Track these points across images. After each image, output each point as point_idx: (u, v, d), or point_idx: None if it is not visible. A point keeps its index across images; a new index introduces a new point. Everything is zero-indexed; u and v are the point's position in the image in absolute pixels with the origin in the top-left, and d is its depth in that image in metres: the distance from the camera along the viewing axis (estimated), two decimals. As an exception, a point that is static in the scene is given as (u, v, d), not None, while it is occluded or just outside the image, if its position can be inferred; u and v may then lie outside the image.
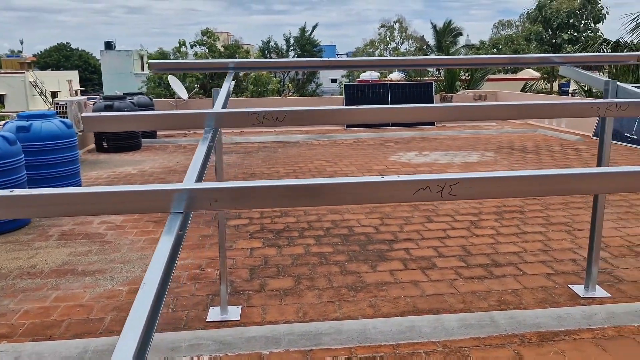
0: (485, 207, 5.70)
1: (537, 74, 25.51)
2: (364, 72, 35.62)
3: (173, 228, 1.51)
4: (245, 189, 1.54)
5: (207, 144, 2.18)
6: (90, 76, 63.52)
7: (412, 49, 40.73)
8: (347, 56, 54.74)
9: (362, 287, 3.72)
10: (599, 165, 3.46)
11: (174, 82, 12.15)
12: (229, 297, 3.55)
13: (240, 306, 3.44)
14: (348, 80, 38.56)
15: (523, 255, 4.31)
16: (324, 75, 49.25)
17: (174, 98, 12.51)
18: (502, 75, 23.43)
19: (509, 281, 3.79)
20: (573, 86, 21.16)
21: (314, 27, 30.37)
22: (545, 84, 25.47)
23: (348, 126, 12.94)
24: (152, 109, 11.69)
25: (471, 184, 1.62)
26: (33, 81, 48.20)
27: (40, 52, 72.07)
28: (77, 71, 55.31)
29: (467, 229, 5.00)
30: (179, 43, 30.76)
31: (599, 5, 24.15)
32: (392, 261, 4.22)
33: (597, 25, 24.42)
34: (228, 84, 3.30)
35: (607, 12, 25.57)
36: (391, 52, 40.88)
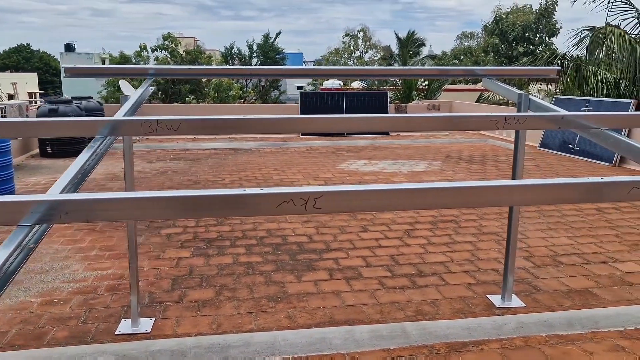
0: (422, 216, 5.75)
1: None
2: (327, 80, 35.76)
3: (14, 241, 1.44)
4: (95, 202, 1.49)
5: (89, 153, 2.12)
6: (52, 79, 61.95)
7: (376, 58, 41.14)
8: (313, 64, 54.90)
9: (283, 298, 3.69)
10: (513, 177, 3.52)
11: (125, 86, 11.92)
12: (143, 308, 3.46)
13: (154, 318, 3.35)
14: (314, 87, 38.68)
15: (449, 265, 4.35)
16: (291, 83, 49.28)
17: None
18: (459, 86, 23.88)
19: (430, 291, 3.82)
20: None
21: (278, 34, 30.32)
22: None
23: (304, 134, 12.95)
24: (102, 114, 11.44)
25: (336, 197, 1.60)
26: (-13, 83, 46.78)
27: (0, 53, 69.96)
28: (36, 73, 53.87)
29: (399, 239, 5.03)
30: (140, 47, 30.24)
31: (553, 20, 24.93)
32: (319, 271, 4.20)
33: (551, 39, 25.25)
34: (141, 90, 3.23)
35: (561, 27, 26.46)
36: (355, 60, 41.20)
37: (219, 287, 3.86)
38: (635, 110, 9.30)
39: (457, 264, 4.36)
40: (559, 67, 3.67)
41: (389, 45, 48.10)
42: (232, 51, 30.27)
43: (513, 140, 11.18)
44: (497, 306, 3.55)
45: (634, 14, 12.38)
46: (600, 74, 11.93)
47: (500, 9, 26.05)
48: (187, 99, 26.44)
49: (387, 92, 13.76)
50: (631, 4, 12.38)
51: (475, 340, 3.10)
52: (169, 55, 30.07)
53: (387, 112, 13.39)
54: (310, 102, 13.14)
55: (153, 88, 3.56)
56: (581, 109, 10.19)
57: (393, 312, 3.48)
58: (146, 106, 13.08)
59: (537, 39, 25.01)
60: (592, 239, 5.02)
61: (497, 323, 3.24)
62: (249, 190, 1.57)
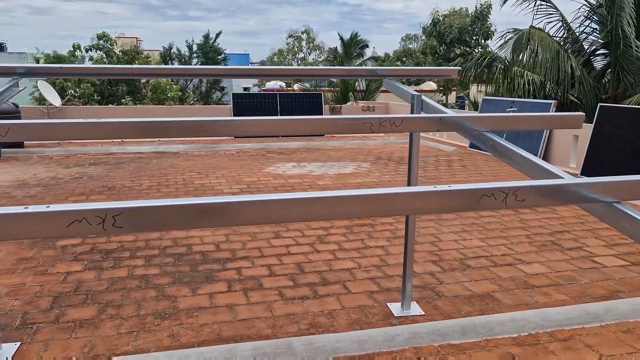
0: (339, 220, 5.61)
1: (434, 86, 26.52)
2: (269, 81, 35.48)
3: None
4: None
5: None
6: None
7: (320, 59, 41.14)
8: (259, 65, 54.42)
9: (171, 314, 3.43)
10: (409, 183, 3.41)
11: (45, 88, 11.27)
12: (10, 332, 3.13)
13: (19, 343, 3.03)
14: (259, 89, 38.21)
15: (356, 271, 4.21)
16: (237, 84, 48.66)
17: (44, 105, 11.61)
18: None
19: (330, 301, 3.65)
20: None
21: (218, 35, 29.76)
22: (442, 96, 26.50)
23: (237, 136, 12.64)
24: (19, 117, 10.78)
25: (137, 214, 1.39)
26: None
27: None
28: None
29: (311, 245, 4.86)
30: (73, 47, 29.12)
31: (488, 23, 25.60)
32: (218, 283, 3.97)
33: (486, 42, 25.95)
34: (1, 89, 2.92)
35: (496, 30, 27.19)
36: (299, 61, 41.04)
37: (104, 305, 3.57)
38: (556, 110, 9.54)
39: (364, 271, 4.23)
40: (459, 68, 3.58)
41: (336, 47, 48.31)
42: (172, 51, 29.51)
43: (445, 140, 11.31)
44: (395, 315, 3.43)
45: (558, 17, 12.78)
46: (526, 75, 12.23)
47: (437, 11, 26.55)
48: (123, 100, 25.60)
49: (321, 94, 13.64)
50: (555, 8, 12.77)
51: (366, 353, 2.95)
52: (104, 55, 29.08)
53: (321, 114, 13.27)
54: (243, 104, 12.86)
55: (22, 88, 3.23)
56: (506, 110, 10.39)
57: (286, 325, 3.30)
58: (67, 108, 12.45)
59: (473, 41, 25.62)
60: (504, 241, 5.01)
61: (390, 334, 3.11)
62: (32, 208, 1.34)
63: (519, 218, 5.80)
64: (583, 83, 11.64)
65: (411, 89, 3.48)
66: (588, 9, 12.36)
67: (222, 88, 39.86)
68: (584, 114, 2.70)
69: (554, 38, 12.33)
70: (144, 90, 27.50)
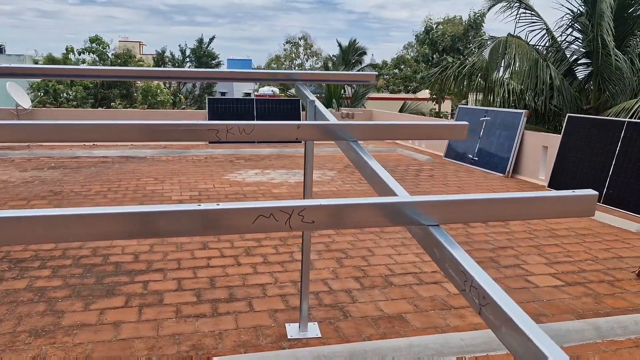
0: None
1: (426, 95, 26.29)
2: (263, 86, 35.39)
3: None
4: None
5: None
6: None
7: (317, 65, 40.99)
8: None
9: (49, 332, 3.20)
10: (304, 196, 3.18)
11: (14, 89, 11.09)
12: None
13: None
14: (272, 92, 37.99)
15: (268, 287, 3.97)
16: (238, 89, 48.57)
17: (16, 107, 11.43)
18: (383, 95, 23.88)
19: (226, 320, 3.41)
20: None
21: (211, 39, 29.63)
22: (434, 104, 26.28)
23: (211, 141, 12.42)
24: (-14, 118, 10.60)
25: None
26: None
27: None
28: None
29: (235, 257, 4.62)
30: (67, 50, 29.10)
31: (482, 32, 25.37)
32: (117, 297, 3.73)
33: (480, 50, 25.54)
34: None
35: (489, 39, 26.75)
36: (296, 68, 40.88)
37: (-17, 320, 3.34)
38: (527, 120, 9.29)
39: (278, 287, 3.98)
40: (377, 73, 3.35)
41: (334, 55, 48.19)
42: (165, 55, 29.37)
43: (421, 149, 11.09)
44: (289, 337, 3.18)
45: (541, 25, 12.54)
46: (506, 84, 11.99)
47: (430, 19, 26.32)
48: (112, 104, 25.50)
49: (299, 100, 13.41)
50: (538, 16, 12.54)
51: (236, 381, 2.71)
52: (97, 58, 29.06)
53: (299, 119, 13.05)
54: (219, 109, 12.65)
55: None
56: (480, 119, 10.15)
57: (166, 347, 3.06)
58: (37, 110, 12.26)
59: (467, 50, 25.37)
60: (440, 256, 4.75)
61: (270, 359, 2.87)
62: None
63: (466, 232, 5.55)
64: (563, 93, 11.38)
65: (311, 95, 3.25)
66: (570, 17, 12.12)
67: (223, 93, 39.74)
68: (467, 123, 2.46)
69: (535, 47, 12.09)
70: (135, 94, 27.40)
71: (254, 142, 12.41)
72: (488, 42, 11.85)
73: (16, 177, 8.11)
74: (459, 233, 5.50)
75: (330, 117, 2.82)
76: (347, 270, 4.36)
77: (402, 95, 26.91)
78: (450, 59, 25.41)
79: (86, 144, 11.91)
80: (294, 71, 3.51)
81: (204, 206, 1.36)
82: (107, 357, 2.92)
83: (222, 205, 1.38)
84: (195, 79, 3.57)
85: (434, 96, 26.20)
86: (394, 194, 1.83)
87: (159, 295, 3.80)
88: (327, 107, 16.68)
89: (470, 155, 10.10)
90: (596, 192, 1.60)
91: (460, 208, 1.56)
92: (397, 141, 13.93)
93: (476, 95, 14.30)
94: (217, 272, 4.27)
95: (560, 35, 12.28)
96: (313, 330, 3.26)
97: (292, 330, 3.27)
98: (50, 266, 4.32)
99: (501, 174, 9.11)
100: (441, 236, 1.50)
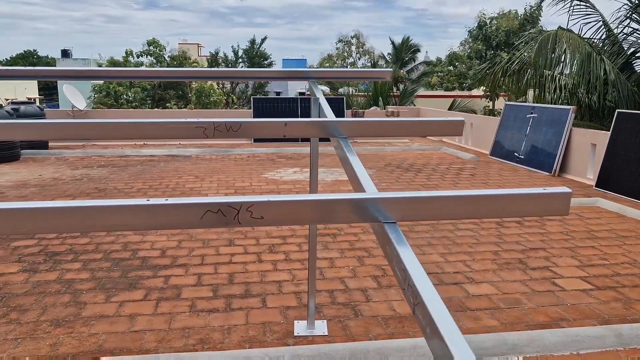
0: (301, 228, 5.40)
1: (479, 92, 25.63)
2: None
3: None
4: None
5: None
6: (55, 84, 62.40)
7: (369, 64, 40.77)
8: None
9: (69, 322, 3.35)
10: (312, 191, 3.18)
11: (70, 92, 11.67)
12: None
13: None
14: (322, 92, 38.11)
15: (284, 284, 3.99)
16: (292, 89, 49.04)
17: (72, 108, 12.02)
18: (434, 92, 23.42)
19: (237, 316, 3.46)
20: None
21: (263, 40, 30.12)
22: (488, 102, 25.59)
23: (256, 140, 12.64)
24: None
25: None
26: (-15, 88, 47.11)
27: (7, 59, 70.72)
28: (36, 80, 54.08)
29: (258, 254, 4.68)
30: (126, 53, 30.29)
31: (539, 26, 24.42)
32: (138, 291, 3.86)
33: (528, 45, 24.55)
34: None
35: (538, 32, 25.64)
36: (348, 66, 40.84)
37: (11, 309, 3.53)
38: (575, 117, 8.88)
39: (295, 284, 4.00)
40: (391, 70, 3.33)
41: (389, 53, 47.80)
42: (218, 56, 30.06)
43: (468, 147, 10.89)
44: (295, 334, 3.19)
45: (596, 17, 11.97)
46: (557, 80, 11.52)
47: (484, 14, 25.57)
48: (168, 105, 26.36)
49: (344, 98, 13.41)
50: (593, 7, 11.97)
51: (235, 375, 2.75)
52: (154, 61, 30.10)
53: (343, 117, 13.03)
54: (264, 107, 12.83)
55: None
56: (527, 116, 9.80)
57: (175, 340, 3.13)
58: (91, 111, 12.84)
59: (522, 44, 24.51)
60: (465, 257, 4.64)
61: (269, 356, 2.88)
62: None
63: (498, 232, 5.38)
64: (619, 88, 10.81)
65: (319, 94, 3.24)
66: (628, 7, 11.49)
67: (278, 93, 40.22)
68: (463, 119, 2.39)
69: (589, 40, 11.53)
70: (189, 95, 28.22)
71: (298, 141, 12.50)
72: (537, 36, 11.41)
73: (67, 175, 8.52)
74: (490, 233, 5.34)
75: (330, 114, 2.80)
76: (366, 269, 4.32)
77: (456, 92, 26.35)
78: (504, 55, 24.68)
79: (137, 143, 12.38)
80: (309, 69, 3.51)
81: (152, 201, 1.39)
82: (117, 348, 3.03)
83: (171, 201, 1.40)
84: (212, 78, 3.64)
85: (488, 93, 25.52)
86: (363, 190, 1.81)
87: (178, 289, 3.90)
88: (374, 105, 16.58)
89: (516, 154, 9.77)
90: (570, 190, 1.51)
91: (419, 205, 1.52)
92: (443, 139, 13.67)
93: (533, 91, 13.82)
94: (237, 268, 4.34)
95: (617, 27, 11.67)
96: (321, 328, 3.26)
97: (300, 327, 3.28)
98: (82, 259, 4.52)
99: (547, 173, 8.76)
100: (393, 233, 1.46)
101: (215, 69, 3.69)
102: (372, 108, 14.96)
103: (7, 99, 11.99)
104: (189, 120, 2.21)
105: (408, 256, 1.37)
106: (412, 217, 1.53)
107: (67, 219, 1.37)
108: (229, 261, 4.51)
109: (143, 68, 3.32)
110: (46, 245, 4.89)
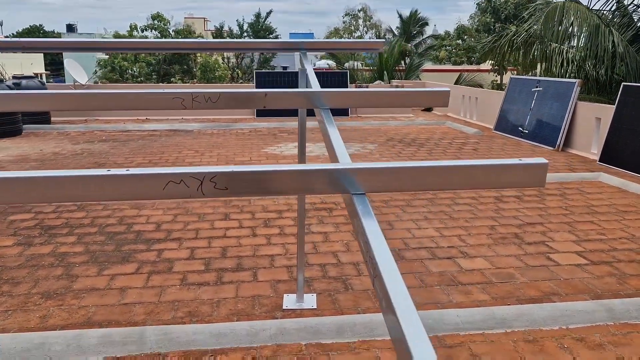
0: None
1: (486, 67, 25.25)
2: (320, 60, 35.18)
3: None
4: None
5: None
6: (62, 60, 62.21)
7: (376, 38, 40.24)
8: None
9: (60, 295, 3.36)
10: (300, 161, 3.14)
11: (72, 66, 11.61)
12: None
13: None
14: (328, 66, 37.86)
15: (278, 259, 3.99)
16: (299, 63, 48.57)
17: (77, 82, 11.97)
18: (439, 67, 23.11)
19: (227, 289, 3.46)
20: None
21: (268, 14, 29.69)
22: (496, 76, 25.23)
23: (258, 115, 12.57)
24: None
25: None
26: (-8, 63, 46.99)
27: (12, 34, 70.48)
28: (42, 54, 53.91)
29: (252, 229, 4.67)
30: (130, 27, 30.08)
31: (549, -2, 23.85)
32: (130, 264, 3.87)
33: (534, 17, 24.05)
34: None
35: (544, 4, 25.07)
36: (355, 40, 40.33)
37: (3, 281, 3.55)
38: (581, 91, 8.73)
39: (287, 258, 3.99)
40: (384, 41, 3.25)
41: (397, 27, 47.09)
42: (223, 30, 29.76)
43: (472, 121, 10.76)
44: (284, 307, 3.19)
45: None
46: (565, 53, 11.30)
47: (492, -15, 25.05)
48: (172, 79, 26.25)
49: (347, 72, 13.25)
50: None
51: (221, 348, 2.75)
52: (158, 35, 29.88)
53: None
54: (266, 82, 12.72)
55: None
56: (532, 89, 9.65)
57: (163, 312, 3.14)
58: (93, 86, 12.78)
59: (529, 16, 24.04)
60: (461, 231, 4.60)
61: (255, 329, 2.88)
62: None
63: (496, 207, 5.33)
64: (627, 61, 10.58)
65: (308, 64, 3.17)
66: (639, -22, 11.17)
67: (285, 67, 39.85)
68: (448, 89, 2.33)
69: (598, 12, 11.26)
70: (194, 70, 28.04)
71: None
72: (544, 8, 11.15)
73: (68, 150, 8.53)
74: (488, 208, 5.29)
75: (316, 86, 2.74)
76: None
77: (465, 67, 25.96)
78: (513, 28, 24.24)
79: (139, 118, 12.34)
80: (300, 40, 3.43)
81: (113, 171, 1.35)
82: (105, 320, 3.04)
83: (132, 171, 1.37)
84: (202, 50, 3.56)
85: (496, 67, 25.14)
86: (337, 162, 1.76)
87: (170, 263, 3.90)
88: (378, 79, 16.40)
89: (520, 128, 9.65)
90: (546, 161, 1.45)
91: (389, 176, 1.47)
92: (448, 114, 13.52)
93: (540, 65, 13.58)
94: (231, 242, 4.33)
95: (628, -3, 11.37)
96: (310, 301, 3.25)
97: (289, 301, 3.27)
98: (76, 233, 4.53)
99: (551, 148, 8.65)
100: (360, 205, 1.42)
101: (205, 40, 3.62)
102: (377, 82, 14.79)
103: (14, 75, 11.97)
104: (166, 91, 2.16)
105: (372, 228, 1.33)
106: (382, 188, 1.48)
107: (28, 190, 1.34)
108: (223, 235, 4.51)
109: (141, 39, 3.31)
110: (42, 219, 4.90)
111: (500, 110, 10.50)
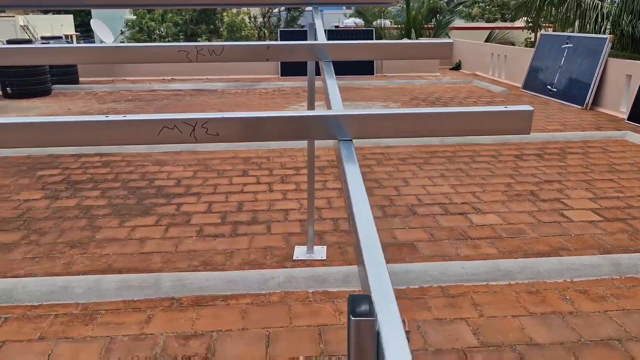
0: (319, 160, 5.43)
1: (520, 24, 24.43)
2: (349, 18, 34.52)
3: None
4: None
5: None
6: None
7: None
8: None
9: (83, 244, 3.54)
10: (309, 108, 3.20)
11: (98, 26, 11.74)
12: None
13: None
14: (355, 24, 37.23)
15: (292, 213, 4.08)
16: (328, 21, 47.81)
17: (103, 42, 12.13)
18: (470, 24, 22.42)
19: (241, 240, 3.59)
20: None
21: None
22: (530, 33, 24.41)
23: (283, 74, 12.54)
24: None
25: None
26: (24, 25, 47.56)
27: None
28: (72, 15, 54.31)
29: (269, 184, 4.77)
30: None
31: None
32: (150, 217, 4.02)
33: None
34: None
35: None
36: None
37: (32, 231, 3.75)
38: (612, 47, 8.43)
39: (301, 212, 4.08)
40: None
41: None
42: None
43: (501, 80, 10.56)
44: (294, 258, 3.30)
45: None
46: (599, 7, 10.87)
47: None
48: (199, 39, 26.21)
49: (373, 30, 13.03)
50: None
51: (232, 294, 2.89)
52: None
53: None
54: (291, 40, 12.62)
55: None
56: (562, 46, 9.36)
57: (179, 261, 3.29)
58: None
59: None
60: (476, 188, 4.61)
61: (265, 277, 3.00)
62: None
63: (515, 165, 5.29)
64: (665, 15, 10.13)
65: (318, 19, 3.18)
66: None
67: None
68: (451, 41, 2.33)
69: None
70: (221, 29, 27.95)
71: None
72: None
73: (94, 109, 8.73)
74: (507, 166, 5.26)
75: (323, 39, 2.77)
76: (374, 200, 4.36)
77: (498, 24, 25.17)
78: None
79: (164, 78, 12.46)
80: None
81: (111, 117, 1.44)
82: (125, 268, 3.20)
83: (129, 117, 1.45)
84: (207, 6, 3.59)
85: (530, 24, 24.30)
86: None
87: (188, 216, 4.04)
88: (405, 37, 16.07)
89: (549, 87, 9.42)
90: (532, 108, 1.47)
91: (375, 122, 1.52)
92: (477, 72, 13.24)
93: (576, 21, 13.11)
94: (247, 197, 4.45)
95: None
96: (320, 253, 3.35)
97: (300, 252, 3.38)
98: (101, 188, 4.71)
99: (579, 106, 8.45)
100: (345, 150, 1.47)
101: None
102: (403, 40, 14.50)
103: (42, 36, 12.23)
104: (171, 44, 2.23)
105: (353, 174, 1.38)
106: (368, 134, 1.53)
107: (30, 134, 1.43)
108: (240, 190, 4.62)
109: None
110: (69, 174, 5.09)
111: (529, 68, 10.24)
